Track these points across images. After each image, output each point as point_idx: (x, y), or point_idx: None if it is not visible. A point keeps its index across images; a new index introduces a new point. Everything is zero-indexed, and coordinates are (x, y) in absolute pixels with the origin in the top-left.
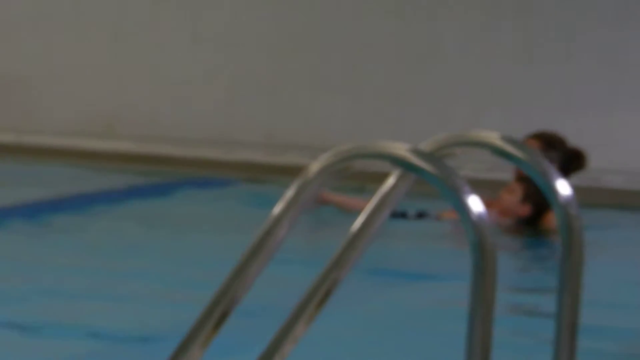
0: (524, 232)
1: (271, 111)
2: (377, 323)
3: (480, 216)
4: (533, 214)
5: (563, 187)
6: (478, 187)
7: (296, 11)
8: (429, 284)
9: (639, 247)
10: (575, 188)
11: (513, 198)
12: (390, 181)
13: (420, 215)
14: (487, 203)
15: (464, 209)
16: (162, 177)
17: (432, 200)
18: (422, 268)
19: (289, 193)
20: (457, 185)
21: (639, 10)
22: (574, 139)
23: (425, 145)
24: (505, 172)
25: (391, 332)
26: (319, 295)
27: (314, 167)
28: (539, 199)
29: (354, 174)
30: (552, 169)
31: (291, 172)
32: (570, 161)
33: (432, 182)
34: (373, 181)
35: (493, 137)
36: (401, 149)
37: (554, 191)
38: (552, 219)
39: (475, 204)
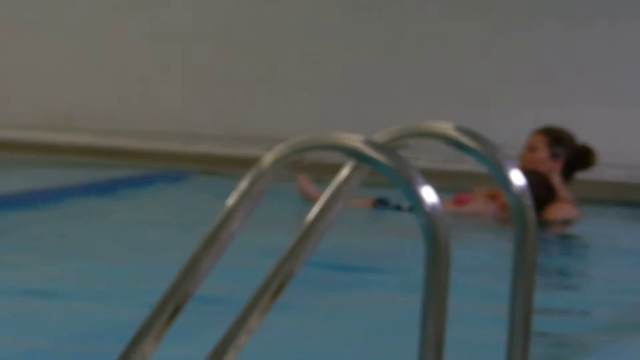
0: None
1: (231, 104)
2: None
3: (433, 207)
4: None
5: (516, 177)
6: (436, 178)
7: (256, 5)
8: (389, 276)
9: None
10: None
11: (491, 191)
12: (344, 172)
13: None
14: (491, 195)
15: (416, 199)
16: (120, 171)
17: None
18: (382, 260)
19: (243, 185)
20: (410, 176)
21: (593, 6)
22: (527, 133)
23: (379, 137)
24: (466, 164)
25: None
26: (274, 286)
27: (268, 158)
28: (538, 193)
29: (311, 166)
30: (505, 159)
31: (251, 164)
32: (578, 158)
33: (385, 173)
34: (331, 172)
35: (447, 127)
36: (355, 140)
37: (507, 182)
38: (553, 211)
39: (429, 194)
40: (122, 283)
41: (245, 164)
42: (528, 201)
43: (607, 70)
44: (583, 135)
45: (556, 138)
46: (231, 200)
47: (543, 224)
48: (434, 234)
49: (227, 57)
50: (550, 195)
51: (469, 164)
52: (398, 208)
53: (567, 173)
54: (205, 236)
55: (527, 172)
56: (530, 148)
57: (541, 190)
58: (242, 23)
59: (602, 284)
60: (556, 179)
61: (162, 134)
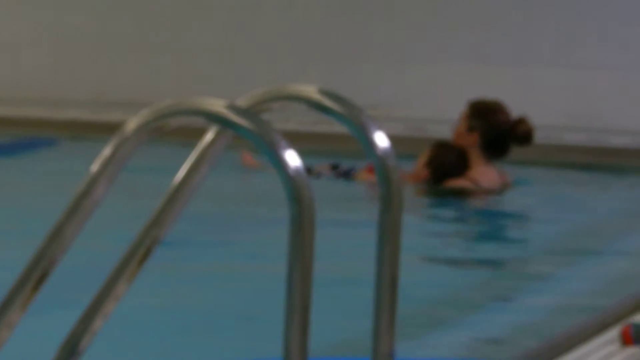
0: (428, 193)
1: (99, 70)
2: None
3: (297, 170)
4: (434, 177)
5: (381, 139)
6: (304, 140)
7: None
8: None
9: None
10: (401, 138)
11: (419, 162)
12: (208, 137)
13: (346, 173)
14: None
15: (280, 163)
16: None
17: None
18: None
19: (106, 152)
20: (273, 140)
21: None
22: (398, 92)
23: (243, 101)
24: (336, 125)
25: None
26: (140, 253)
27: (131, 125)
28: (439, 164)
29: (179, 130)
30: (370, 122)
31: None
32: (497, 133)
33: (248, 138)
34: (199, 136)
35: (310, 90)
36: (218, 105)
37: (371, 144)
38: (450, 182)
39: (292, 158)
40: None
41: (114, 129)
42: (393, 162)
43: (476, 28)
44: (450, 93)
45: (476, 111)
46: (94, 167)
47: (446, 192)
48: (298, 197)
49: (95, 22)
50: (455, 168)
51: (340, 126)
52: (335, 168)
53: (489, 147)
54: (68, 203)
55: (440, 145)
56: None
57: (445, 162)
58: None
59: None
60: (474, 153)
61: (28, 99)
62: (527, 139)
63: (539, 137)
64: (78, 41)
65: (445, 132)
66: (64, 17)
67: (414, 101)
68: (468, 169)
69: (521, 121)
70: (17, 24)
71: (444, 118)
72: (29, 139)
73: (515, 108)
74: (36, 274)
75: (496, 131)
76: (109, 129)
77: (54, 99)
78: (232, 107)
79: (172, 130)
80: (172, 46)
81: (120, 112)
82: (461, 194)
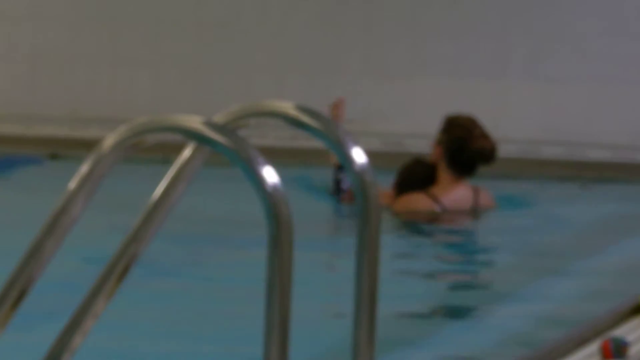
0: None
1: (73, 85)
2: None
3: (274, 187)
4: (398, 192)
5: (358, 155)
6: (281, 155)
7: None
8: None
9: None
10: (378, 153)
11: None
12: (186, 154)
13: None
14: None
15: (257, 180)
16: None
17: None
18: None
19: (83, 169)
20: (250, 156)
21: None
22: (374, 106)
23: (219, 117)
24: (313, 140)
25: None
26: (118, 269)
27: (108, 141)
28: (405, 179)
29: (157, 146)
30: (348, 137)
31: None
32: (456, 149)
33: (225, 154)
34: (177, 152)
35: (287, 106)
36: (194, 122)
37: (349, 159)
38: (410, 196)
39: (269, 174)
40: None
41: (90, 145)
42: (370, 178)
43: (450, 40)
44: (427, 107)
45: (444, 125)
46: (72, 185)
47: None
48: (275, 213)
49: (69, 37)
50: (421, 183)
51: (318, 141)
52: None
53: (453, 162)
54: (46, 221)
55: (414, 160)
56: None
57: (412, 177)
58: (82, 3)
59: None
60: (442, 169)
61: (4, 116)
62: (485, 155)
63: (515, 151)
64: (52, 57)
65: (422, 146)
66: (39, 32)
67: (390, 115)
68: (434, 185)
69: (482, 136)
70: None
71: (421, 132)
72: (6, 156)
73: (492, 121)
74: (15, 292)
75: (456, 145)
76: (86, 145)
77: (29, 116)
78: (209, 124)
79: (150, 147)
80: (148, 62)
81: (96, 128)
82: (415, 214)
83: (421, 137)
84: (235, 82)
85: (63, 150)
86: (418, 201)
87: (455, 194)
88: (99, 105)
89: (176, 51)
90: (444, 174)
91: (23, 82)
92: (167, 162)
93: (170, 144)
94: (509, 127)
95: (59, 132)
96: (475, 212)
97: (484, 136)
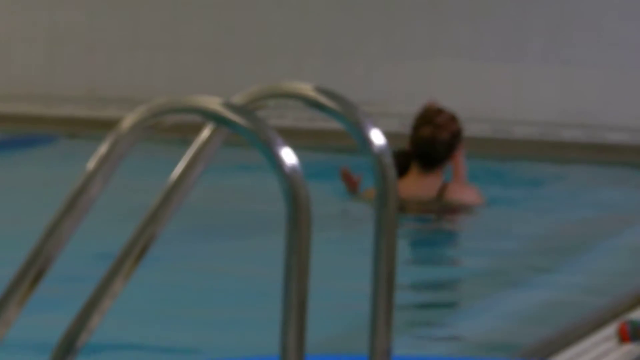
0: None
1: (92, 66)
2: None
3: (293, 168)
4: None
5: (376, 137)
6: (299, 137)
7: None
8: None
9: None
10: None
11: None
12: (204, 135)
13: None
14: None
15: (276, 161)
16: None
17: None
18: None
19: (102, 149)
20: (269, 137)
21: None
22: (395, 87)
23: (238, 98)
24: (332, 122)
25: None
26: (136, 250)
27: (127, 122)
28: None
29: (175, 126)
30: (366, 119)
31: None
32: (409, 141)
33: (244, 135)
34: (195, 132)
35: (306, 88)
36: (213, 103)
37: (368, 141)
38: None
39: (288, 155)
40: None
41: (108, 125)
42: (388, 160)
43: (469, 22)
44: (446, 88)
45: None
46: (90, 165)
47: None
48: (294, 195)
49: (87, 18)
50: None
51: (336, 123)
52: None
53: (412, 154)
54: (64, 200)
55: (398, 152)
56: None
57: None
58: None
59: None
60: (413, 160)
61: (23, 96)
62: (420, 144)
63: (535, 133)
64: (71, 38)
65: None
66: (58, 13)
67: (409, 97)
68: (402, 176)
69: (421, 125)
70: (9, 22)
71: None
72: (26, 135)
73: (511, 104)
74: (33, 272)
75: (410, 137)
76: (103, 125)
77: (48, 96)
78: (228, 105)
79: (168, 127)
80: (166, 43)
81: (114, 108)
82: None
83: None
84: (253, 64)
85: (81, 130)
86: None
87: (415, 186)
88: (118, 85)
89: (193, 33)
90: (413, 167)
91: (42, 62)
92: (186, 142)
93: (189, 124)
94: (527, 110)
95: (77, 112)
96: (435, 204)
97: (424, 124)
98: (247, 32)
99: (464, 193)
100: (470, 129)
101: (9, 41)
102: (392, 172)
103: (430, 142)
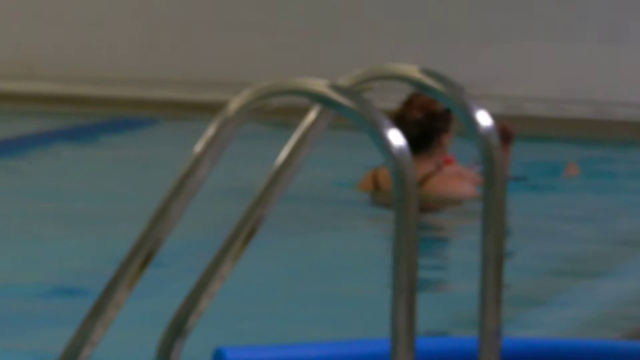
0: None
1: (188, 49)
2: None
3: (400, 150)
4: None
5: (483, 118)
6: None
7: None
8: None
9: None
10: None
11: None
12: (310, 117)
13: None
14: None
15: (383, 143)
16: (84, 118)
17: None
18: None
19: (209, 132)
20: (376, 119)
21: None
22: (496, 70)
23: (344, 80)
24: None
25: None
26: (244, 232)
27: (233, 105)
28: None
29: (275, 110)
30: (472, 101)
31: (211, 109)
32: None
33: (351, 118)
34: (297, 116)
35: (412, 70)
36: (320, 85)
37: (474, 123)
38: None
39: (395, 137)
40: (91, 231)
41: (206, 108)
42: (495, 141)
43: (569, 4)
44: (546, 72)
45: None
46: (198, 148)
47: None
48: (401, 176)
49: (183, 1)
50: None
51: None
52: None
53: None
54: (173, 183)
55: None
56: None
57: None
58: None
59: None
60: None
61: (121, 80)
62: (398, 123)
63: (635, 115)
64: (167, 21)
65: (541, 110)
66: None
67: (510, 79)
68: None
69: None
70: (108, 6)
71: (540, 96)
72: (128, 118)
73: (608, 86)
74: (142, 254)
75: None
76: (202, 107)
77: (146, 79)
78: (335, 87)
79: (266, 112)
80: (262, 25)
81: (210, 91)
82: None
83: (540, 101)
84: (350, 47)
85: (178, 112)
86: (366, 178)
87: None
88: (213, 69)
89: (289, 15)
90: None
91: (140, 46)
92: (287, 125)
93: (288, 107)
94: (625, 92)
95: (175, 95)
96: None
97: (401, 106)
98: (347, 12)
99: (447, 185)
100: (570, 111)
101: (105, 24)
102: (498, 153)
103: (400, 121)
